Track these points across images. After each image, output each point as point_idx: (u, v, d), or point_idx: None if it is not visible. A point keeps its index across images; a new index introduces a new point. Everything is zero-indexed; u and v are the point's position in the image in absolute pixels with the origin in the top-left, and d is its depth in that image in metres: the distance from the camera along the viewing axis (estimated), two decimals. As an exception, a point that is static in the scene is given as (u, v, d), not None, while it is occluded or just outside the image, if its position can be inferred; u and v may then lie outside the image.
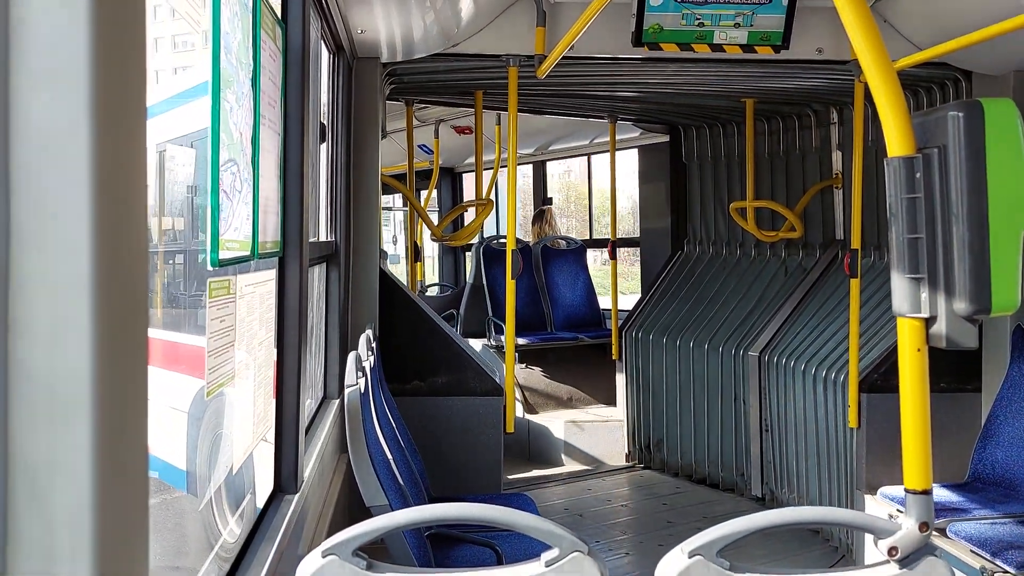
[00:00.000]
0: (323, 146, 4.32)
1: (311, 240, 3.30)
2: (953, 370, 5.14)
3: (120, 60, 0.86)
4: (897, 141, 1.80)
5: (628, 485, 6.98)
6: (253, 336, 2.47)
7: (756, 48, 4.66)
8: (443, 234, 7.09)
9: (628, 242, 12.84)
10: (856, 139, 5.24)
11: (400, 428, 4.30)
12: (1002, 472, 4.31)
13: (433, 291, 11.13)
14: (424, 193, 9.26)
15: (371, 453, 3.27)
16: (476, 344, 8.45)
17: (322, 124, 4.20)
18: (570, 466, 7.44)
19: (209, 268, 1.98)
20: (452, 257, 11.50)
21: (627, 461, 7.49)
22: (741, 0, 4.55)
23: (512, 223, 5.69)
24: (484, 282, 8.76)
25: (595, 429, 7.66)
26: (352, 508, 3.99)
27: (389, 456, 3.55)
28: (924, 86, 5.37)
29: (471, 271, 9.09)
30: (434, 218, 10.72)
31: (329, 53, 4.39)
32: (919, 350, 1.84)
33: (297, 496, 2.84)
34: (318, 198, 4.16)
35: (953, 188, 1.77)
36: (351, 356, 3.42)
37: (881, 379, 5.02)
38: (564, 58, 4.54)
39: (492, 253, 8.91)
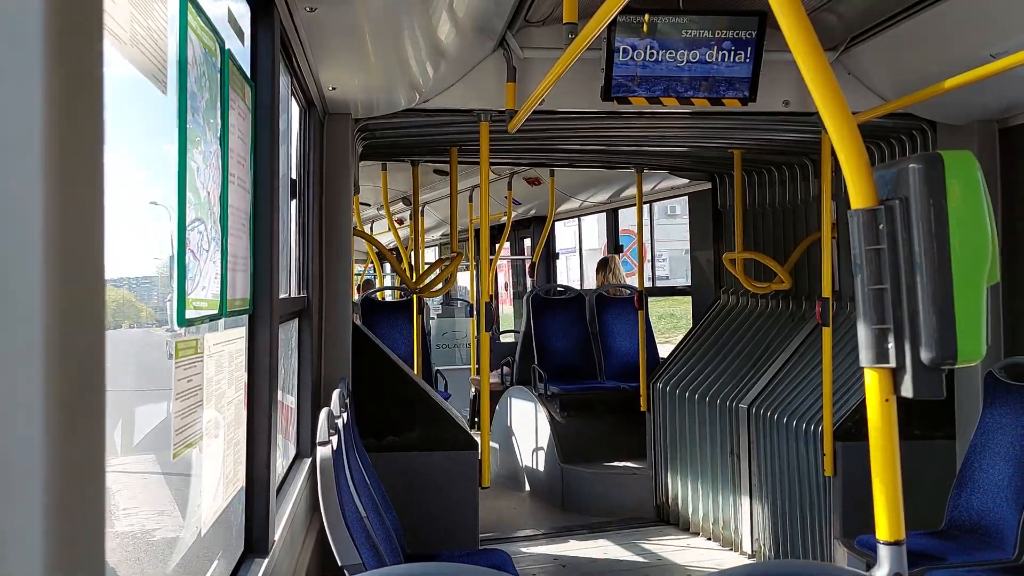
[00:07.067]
0: (294, 202, 4.32)
1: (282, 296, 3.28)
2: (927, 417, 5.15)
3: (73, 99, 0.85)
4: (859, 193, 1.81)
5: (632, 540, 6.90)
6: (222, 395, 2.45)
7: (723, 100, 4.72)
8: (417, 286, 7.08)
9: (669, 291, 12.96)
10: (824, 189, 5.29)
11: (375, 485, 4.25)
12: (978, 519, 4.30)
13: (508, 338, 11.32)
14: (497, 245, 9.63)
15: (344, 511, 3.23)
16: (523, 391, 8.44)
17: (292, 180, 4.20)
18: (598, 518, 7.35)
19: (176, 328, 1.97)
20: None
21: (656, 515, 7.44)
22: (708, 54, 4.61)
23: (486, 277, 5.70)
24: (532, 331, 8.78)
25: (624, 481, 7.57)
26: (325, 570, 3.93)
27: (363, 514, 3.50)
28: (894, 136, 5.43)
29: (523, 320, 9.12)
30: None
31: (300, 109, 4.40)
32: (887, 400, 1.84)
33: (268, 558, 2.79)
34: (289, 254, 4.14)
35: (916, 239, 1.78)
36: (323, 413, 3.38)
37: (855, 427, 5.02)
38: (535, 112, 4.57)
39: (541, 302, 8.92)
